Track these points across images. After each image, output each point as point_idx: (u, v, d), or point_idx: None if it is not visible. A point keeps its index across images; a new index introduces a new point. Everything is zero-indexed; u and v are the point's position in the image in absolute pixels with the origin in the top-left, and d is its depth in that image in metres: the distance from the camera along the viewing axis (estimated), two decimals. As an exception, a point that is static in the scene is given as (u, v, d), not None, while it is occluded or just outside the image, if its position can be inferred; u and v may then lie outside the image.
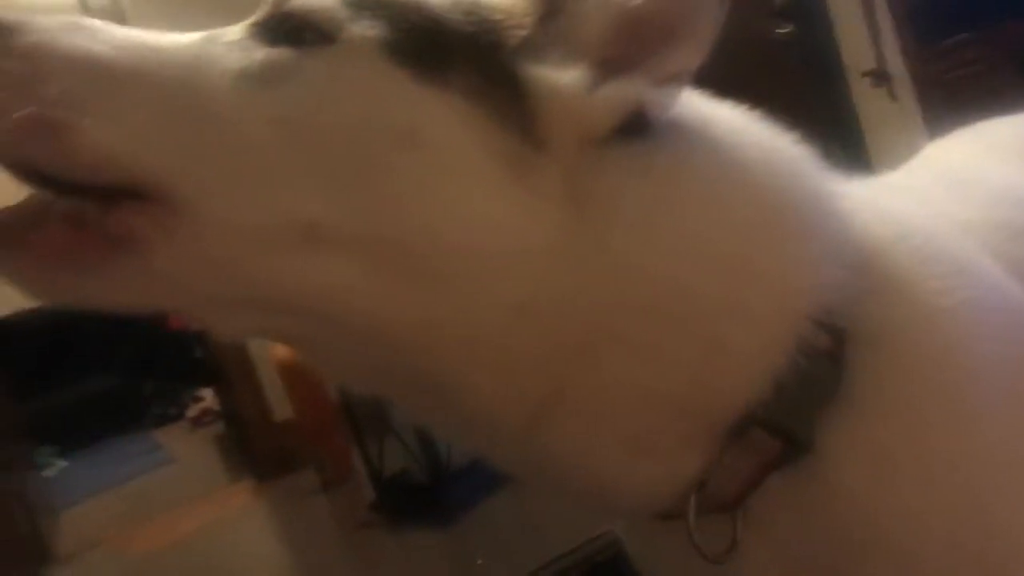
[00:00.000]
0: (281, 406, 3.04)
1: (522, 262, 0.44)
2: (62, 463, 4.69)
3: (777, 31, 2.71)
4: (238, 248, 0.43)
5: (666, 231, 0.46)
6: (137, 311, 0.46)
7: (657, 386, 0.46)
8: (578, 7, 0.47)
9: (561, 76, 0.46)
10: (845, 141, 2.72)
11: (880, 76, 2.49)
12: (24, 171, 0.43)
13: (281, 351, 2.65)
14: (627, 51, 0.46)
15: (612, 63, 0.46)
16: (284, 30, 0.47)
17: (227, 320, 0.46)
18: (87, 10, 2.97)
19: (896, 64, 2.41)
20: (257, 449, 3.24)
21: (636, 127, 0.46)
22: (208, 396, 4.62)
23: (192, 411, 4.85)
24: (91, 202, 0.43)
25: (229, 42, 0.48)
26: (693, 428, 0.47)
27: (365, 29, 0.46)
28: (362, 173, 0.43)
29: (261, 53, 0.46)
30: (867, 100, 2.62)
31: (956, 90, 2.05)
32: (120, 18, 2.90)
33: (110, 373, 5.21)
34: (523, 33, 0.47)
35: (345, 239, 0.43)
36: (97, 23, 0.47)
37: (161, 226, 0.42)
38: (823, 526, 0.47)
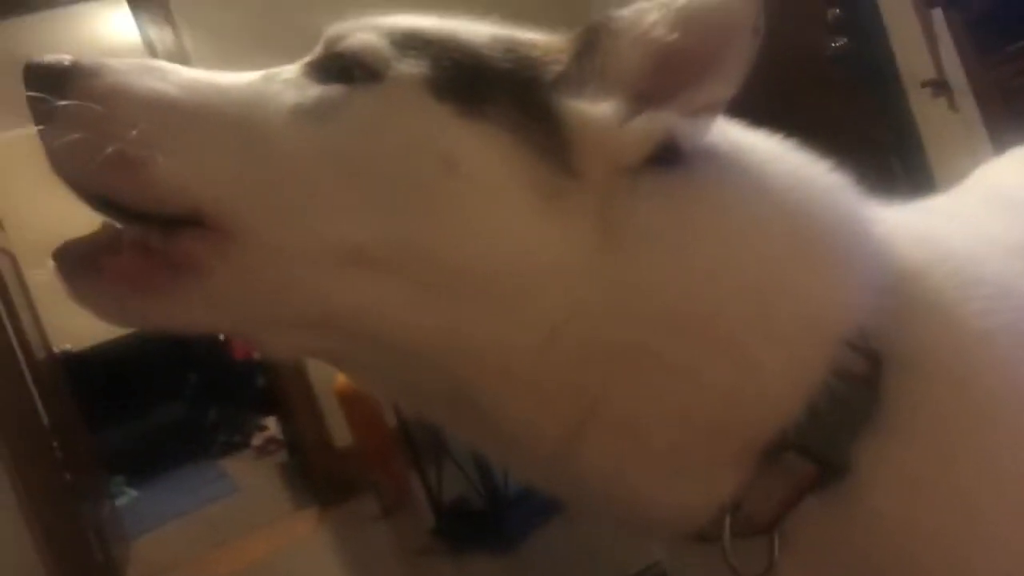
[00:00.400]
0: (341, 433, 3.08)
1: (556, 285, 0.46)
2: (133, 492, 4.82)
3: (832, 45, 2.67)
4: (290, 272, 0.46)
5: (698, 256, 0.47)
6: (198, 332, 0.50)
7: (690, 405, 0.46)
8: (613, 44, 0.49)
9: (595, 108, 0.48)
10: (905, 153, 2.65)
11: (939, 86, 2.42)
12: (97, 200, 0.47)
13: (340, 379, 2.69)
14: (660, 84, 0.48)
15: (645, 95, 0.48)
16: (336, 69, 0.50)
17: (279, 340, 0.49)
18: (152, 51, 3.11)
19: (955, 74, 2.34)
20: (319, 476, 3.29)
21: (669, 156, 0.48)
22: (272, 425, 4.70)
23: (257, 440, 4.94)
24: (155, 231, 0.46)
25: (285, 80, 0.51)
26: (728, 449, 0.47)
27: (410, 67, 0.49)
28: (406, 200, 0.46)
29: (314, 90, 0.50)
30: (927, 111, 2.55)
31: (1018, 98, 1.98)
32: (184, 59, 3.03)
33: (177, 404, 5.35)
34: (559, 68, 0.50)
35: (390, 262, 0.46)
36: (165, 65, 0.51)
37: (219, 252, 0.46)
38: (859, 551, 0.47)
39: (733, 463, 0.47)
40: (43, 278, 0.47)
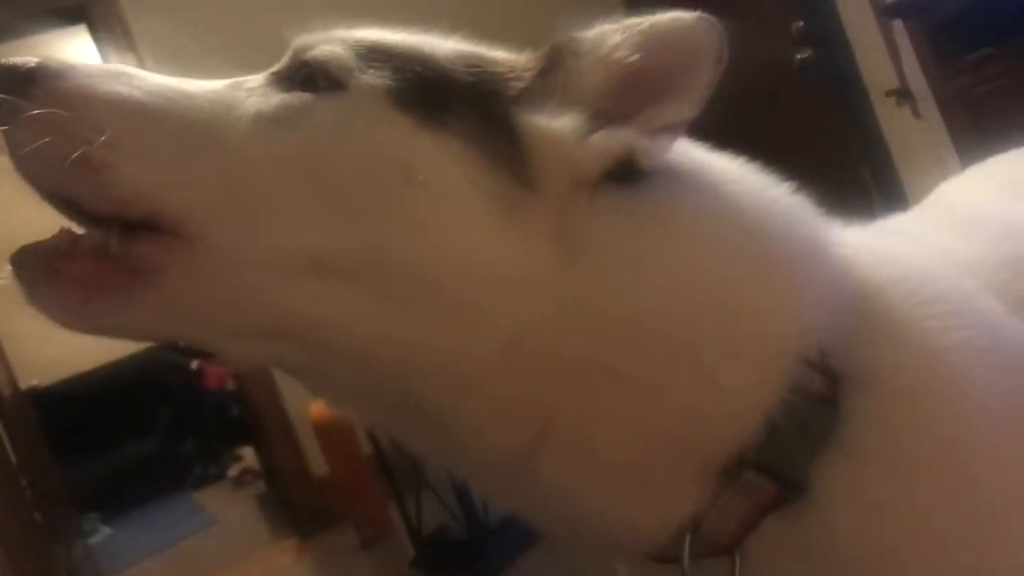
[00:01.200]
0: (319, 462, 3.03)
1: (512, 296, 0.46)
2: (107, 529, 4.71)
3: (797, 57, 2.71)
4: (247, 279, 0.46)
5: (656, 271, 0.47)
6: (154, 339, 0.50)
7: (648, 420, 0.46)
8: (575, 63, 0.50)
9: (554, 123, 0.49)
10: (873, 161, 2.69)
11: (903, 94, 2.46)
12: (60, 202, 0.47)
13: (314, 408, 2.65)
14: (621, 103, 0.49)
15: (607, 114, 0.49)
16: (300, 78, 0.50)
17: (236, 348, 0.49)
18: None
19: (918, 83, 2.38)
20: (297, 507, 3.23)
21: (630, 173, 0.48)
22: (248, 455, 4.63)
23: (233, 471, 4.86)
24: (115, 234, 0.46)
25: (250, 88, 0.51)
26: (687, 467, 0.47)
27: (373, 78, 0.49)
28: (365, 208, 0.46)
29: (277, 98, 0.50)
30: (892, 119, 2.59)
31: (981, 106, 2.01)
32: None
33: (150, 437, 5.26)
34: (522, 84, 0.51)
35: (348, 272, 0.46)
36: (132, 70, 0.51)
37: (177, 257, 0.46)
38: (820, 571, 0.47)
39: (692, 482, 0.47)
40: (3, 282, 0.47)
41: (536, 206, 0.47)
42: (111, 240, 0.46)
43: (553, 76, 0.50)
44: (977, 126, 2.08)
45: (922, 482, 0.47)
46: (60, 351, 4.76)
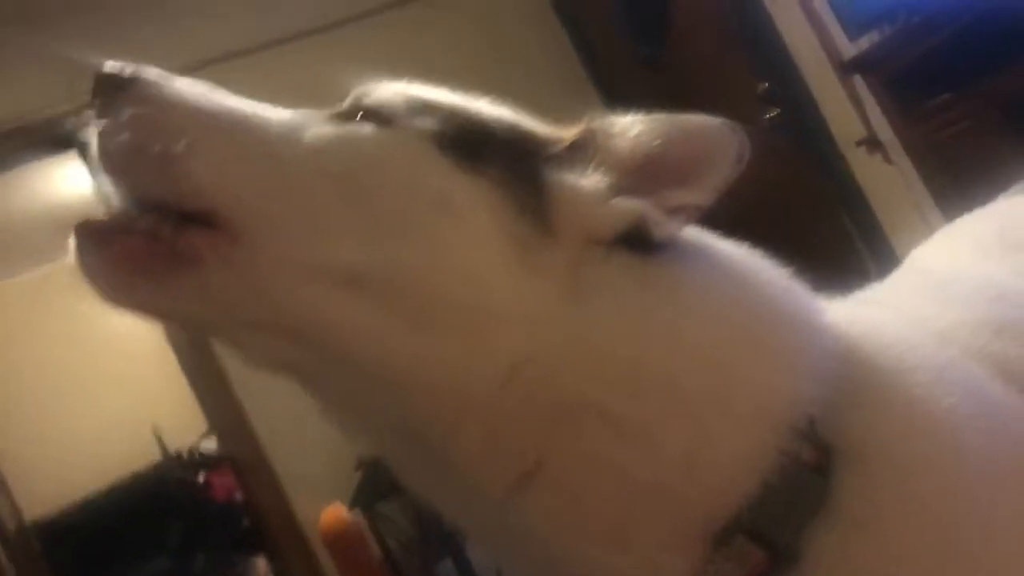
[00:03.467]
0: (333, 571, 2.96)
1: (516, 326, 0.49)
2: (122, 657, 4.54)
3: (765, 116, 2.78)
4: (283, 280, 0.50)
5: (657, 325, 0.50)
6: (180, 321, 0.54)
7: (636, 471, 0.47)
8: (607, 139, 0.56)
9: (580, 182, 0.54)
10: (853, 210, 2.72)
11: (872, 143, 2.52)
12: (129, 192, 0.52)
13: (326, 517, 2.60)
14: (643, 181, 0.54)
15: (628, 187, 0.54)
16: (356, 116, 0.57)
17: (259, 346, 0.53)
18: (108, 201, 3.12)
19: (885, 130, 2.44)
20: (314, 616, 3.13)
21: (644, 242, 0.52)
22: (262, 566, 4.51)
23: (246, 583, 4.72)
24: (169, 223, 0.50)
25: (314, 117, 0.58)
26: (675, 529, 0.47)
27: (420, 122, 0.55)
28: (398, 229, 0.51)
29: (335, 126, 0.56)
30: (865, 167, 2.64)
31: (948, 150, 2.06)
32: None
33: (161, 556, 5.12)
34: (555, 149, 0.56)
35: (376, 286, 0.50)
36: (219, 91, 0.57)
37: (221, 251, 0.50)
38: None
39: (682, 545, 0.47)
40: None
41: (552, 251, 0.51)
42: (164, 226, 0.50)
43: (584, 147, 0.56)
44: (947, 169, 2.12)
45: (913, 553, 0.47)
46: (63, 477, 4.71)
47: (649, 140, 0.54)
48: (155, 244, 0.50)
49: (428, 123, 0.55)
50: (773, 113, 2.76)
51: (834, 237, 2.76)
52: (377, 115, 0.56)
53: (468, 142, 0.54)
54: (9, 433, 4.62)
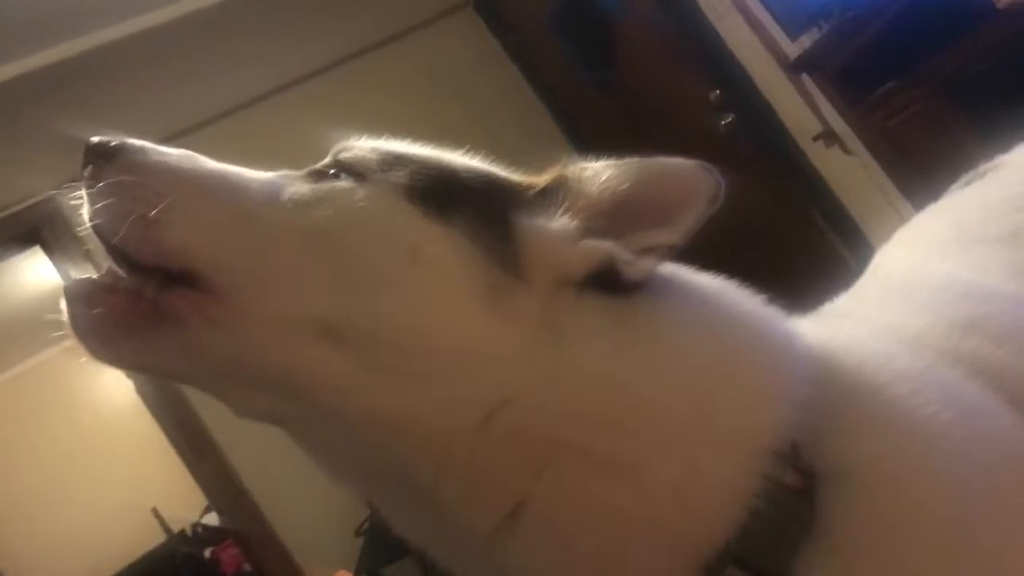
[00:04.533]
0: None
1: (493, 372, 0.50)
2: None
3: (722, 123, 2.82)
4: (264, 336, 0.52)
5: (633, 362, 0.50)
6: (163, 376, 0.57)
7: (620, 505, 0.47)
8: (578, 183, 0.56)
9: (547, 225, 0.55)
10: (821, 203, 2.76)
11: (829, 136, 2.56)
12: (114, 251, 0.54)
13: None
14: (614, 223, 0.54)
15: (598, 230, 0.54)
16: (332, 173, 0.58)
17: (242, 398, 0.54)
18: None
19: (839, 124, 2.48)
20: None
21: (616, 282, 0.53)
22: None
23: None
24: (153, 281, 0.53)
25: (291, 177, 0.59)
26: (668, 562, 0.47)
27: (390, 176, 0.57)
28: (372, 280, 0.52)
29: (309, 184, 0.58)
30: (826, 160, 2.68)
31: (901, 135, 2.10)
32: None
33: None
34: (526, 195, 0.57)
35: (353, 337, 0.51)
36: (198, 156, 0.59)
37: (202, 311, 0.52)
38: None
39: None
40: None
41: (523, 295, 0.52)
42: (148, 285, 0.53)
43: (556, 192, 0.56)
44: (904, 154, 2.16)
45: (904, 570, 0.47)
46: (70, 570, 4.60)
47: (619, 183, 0.55)
48: (138, 303, 0.52)
49: (399, 176, 0.56)
50: (728, 119, 2.81)
51: (808, 234, 2.79)
52: (351, 170, 0.57)
53: (438, 192, 0.56)
54: (7, 532, 4.53)
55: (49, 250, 3.21)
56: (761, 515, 0.47)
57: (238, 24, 3.11)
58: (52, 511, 4.83)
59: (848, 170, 2.59)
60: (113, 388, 4.83)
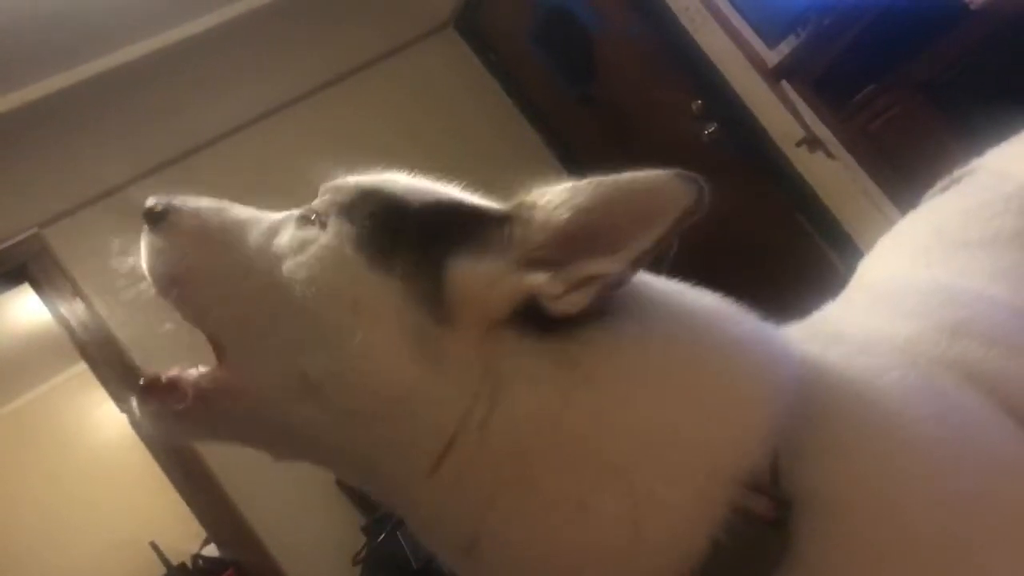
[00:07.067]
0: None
1: (430, 416, 0.51)
2: None
3: (705, 133, 2.84)
4: (262, 396, 0.56)
5: (575, 402, 0.49)
6: (216, 441, 0.60)
7: (578, 538, 0.47)
8: (528, 214, 0.54)
9: (476, 266, 0.53)
10: (807, 208, 2.77)
11: (811, 142, 2.58)
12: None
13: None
14: (560, 253, 0.52)
15: (544, 261, 0.52)
16: (312, 219, 0.60)
17: (279, 450, 0.59)
18: (67, 326, 3.08)
19: (821, 130, 2.50)
20: None
21: (548, 318, 0.51)
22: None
23: None
24: (182, 368, 0.59)
25: (289, 219, 0.61)
26: None
27: (343, 223, 0.57)
28: (324, 334, 0.54)
29: (291, 232, 0.60)
30: (810, 165, 2.70)
31: (882, 138, 2.12)
32: (100, 326, 3.01)
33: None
34: (477, 231, 0.55)
35: (318, 389, 0.53)
36: (227, 204, 0.64)
37: (215, 383, 0.57)
38: None
39: None
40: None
41: (451, 339, 0.52)
42: (183, 372, 0.58)
43: (505, 225, 0.54)
44: (886, 157, 2.18)
45: None
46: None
47: (573, 208, 0.52)
48: (175, 391, 0.58)
49: (351, 223, 0.57)
50: (711, 129, 2.83)
51: (795, 239, 2.80)
52: (319, 218, 0.59)
53: (384, 238, 0.56)
54: (6, 570, 4.47)
55: (38, 287, 3.19)
56: (724, 547, 0.46)
57: (218, 54, 3.12)
58: (49, 549, 4.77)
59: (832, 174, 2.61)
60: (107, 422, 4.79)
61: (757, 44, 2.53)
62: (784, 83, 2.48)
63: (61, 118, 2.87)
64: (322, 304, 0.54)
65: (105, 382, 3.08)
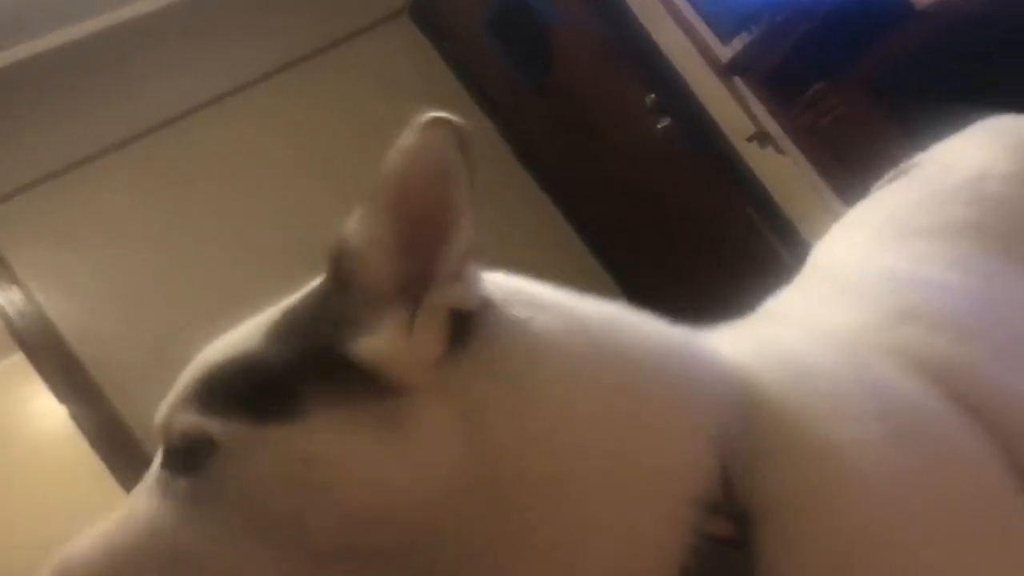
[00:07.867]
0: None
1: (424, 508, 0.46)
2: None
3: (658, 127, 2.86)
4: None
5: (526, 424, 0.47)
6: None
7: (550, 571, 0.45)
8: (355, 259, 0.49)
9: (374, 338, 0.48)
10: (756, 203, 2.82)
11: (762, 137, 2.62)
12: None
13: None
14: (416, 266, 0.49)
15: (411, 285, 0.49)
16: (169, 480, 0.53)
17: None
18: (6, 317, 2.97)
19: (771, 125, 2.55)
20: None
21: (463, 330, 0.48)
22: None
23: None
24: None
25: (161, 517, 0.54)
26: None
27: (227, 422, 0.49)
28: (302, 519, 0.47)
29: (174, 510, 0.52)
30: (760, 161, 2.74)
31: (830, 135, 2.17)
32: (41, 315, 2.91)
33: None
34: (335, 315, 0.50)
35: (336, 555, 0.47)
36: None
37: None
38: None
39: None
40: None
41: (413, 409, 0.47)
42: None
43: (346, 286, 0.50)
44: (834, 154, 2.23)
45: None
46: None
47: (378, 225, 0.49)
48: None
49: (231, 414, 0.49)
50: (665, 122, 2.85)
51: (745, 233, 2.85)
52: (191, 449, 0.50)
53: (273, 396, 0.48)
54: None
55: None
56: (692, 573, 0.45)
57: (168, 34, 3.04)
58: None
59: (782, 170, 2.66)
60: (45, 414, 4.65)
61: (711, 39, 2.56)
62: (736, 79, 2.52)
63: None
64: (277, 492, 0.47)
65: (43, 373, 2.98)
